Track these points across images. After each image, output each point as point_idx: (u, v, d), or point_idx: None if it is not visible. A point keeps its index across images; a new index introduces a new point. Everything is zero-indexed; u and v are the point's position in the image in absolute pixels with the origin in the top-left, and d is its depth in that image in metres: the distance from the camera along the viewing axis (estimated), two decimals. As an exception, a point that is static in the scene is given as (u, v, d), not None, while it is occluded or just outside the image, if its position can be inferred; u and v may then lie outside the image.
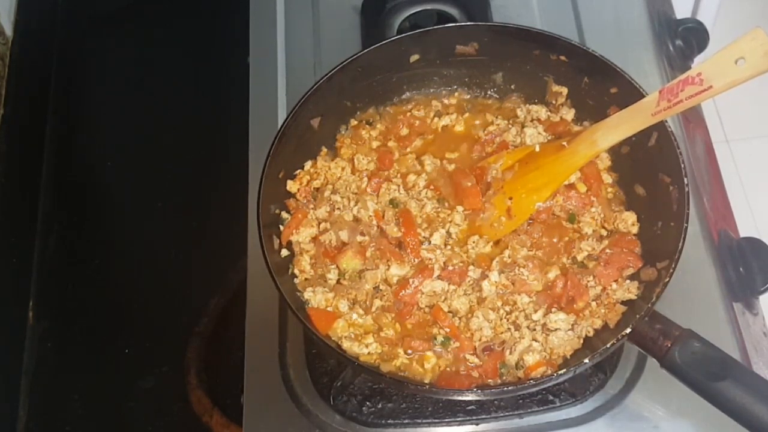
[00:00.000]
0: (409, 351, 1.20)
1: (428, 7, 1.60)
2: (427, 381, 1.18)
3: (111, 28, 1.94)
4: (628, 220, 1.27)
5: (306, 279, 1.28)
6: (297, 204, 1.33)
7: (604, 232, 1.29)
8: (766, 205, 2.63)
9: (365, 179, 1.35)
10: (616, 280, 1.22)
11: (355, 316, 1.23)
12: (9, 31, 1.80)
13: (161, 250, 1.63)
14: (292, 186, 1.34)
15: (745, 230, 1.48)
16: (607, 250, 1.24)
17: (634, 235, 1.26)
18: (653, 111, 1.10)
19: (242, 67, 1.62)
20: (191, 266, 1.59)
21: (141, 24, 1.93)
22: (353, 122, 1.42)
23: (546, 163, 1.29)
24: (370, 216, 1.31)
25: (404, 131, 1.41)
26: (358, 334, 1.22)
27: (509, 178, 1.30)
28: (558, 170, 1.28)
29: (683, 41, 1.57)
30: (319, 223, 1.32)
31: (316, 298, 1.24)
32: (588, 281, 1.22)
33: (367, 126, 1.42)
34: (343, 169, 1.37)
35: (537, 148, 1.32)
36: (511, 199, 1.29)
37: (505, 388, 1.12)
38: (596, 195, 1.30)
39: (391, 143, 1.40)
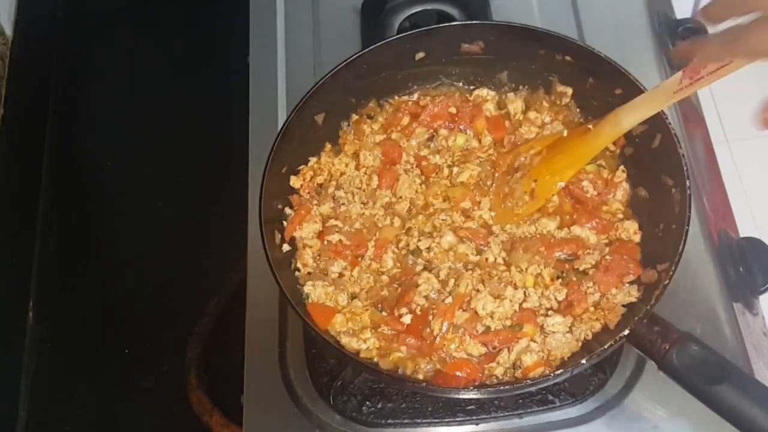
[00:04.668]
0: (403, 348, 1.20)
1: (428, 7, 1.59)
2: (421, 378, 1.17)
3: (111, 27, 1.94)
4: (630, 229, 1.26)
5: (308, 273, 1.28)
6: (300, 200, 1.33)
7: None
8: (766, 205, 2.62)
9: (375, 178, 1.35)
10: (616, 287, 1.21)
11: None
12: (9, 31, 1.80)
13: (161, 250, 1.63)
14: (295, 182, 1.34)
15: (745, 230, 1.48)
16: (608, 257, 1.24)
17: (636, 243, 1.26)
18: (675, 89, 1.10)
19: (242, 67, 1.62)
20: (191, 266, 1.59)
21: (141, 24, 1.93)
22: (354, 117, 1.42)
23: (572, 146, 1.30)
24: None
25: (405, 120, 1.41)
26: (356, 330, 1.22)
27: (536, 163, 1.32)
28: (582, 152, 1.29)
29: (683, 41, 1.57)
30: (324, 220, 1.32)
31: (315, 292, 1.24)
32: (588, 288, 1.21)
33: (368, 120, 1.42)
34: (346, 165, 1.37)
35: (565, 134, 1.33)
36: (536, 181, 1.30)
37: (502, 387, 1.11)
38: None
39: (395, 135, 1.40)
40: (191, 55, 1.85)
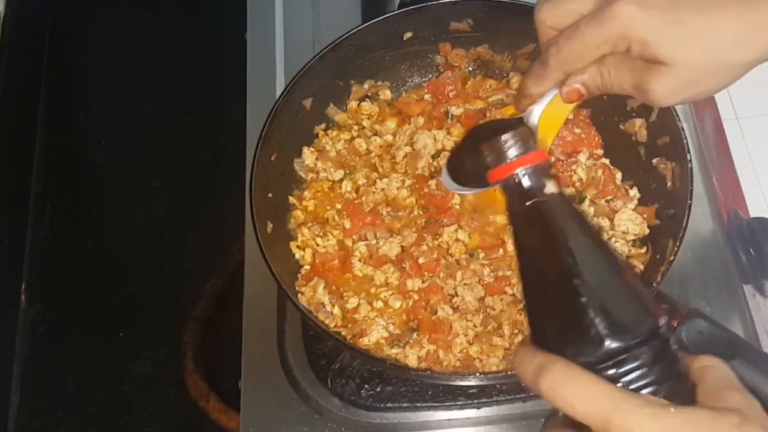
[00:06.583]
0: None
1: (430, -19, 1.56)
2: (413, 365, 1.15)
3: (105, 4, 1.91)
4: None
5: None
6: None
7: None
8: (778, 184, 2.59)
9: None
10: None
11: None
12: (1, 7, 1.77)
13: (157, 231, 1.61)
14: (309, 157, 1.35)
15: (755, 210, 1.44)
16: None
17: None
18: None
19: (239, 44, 1.59)
20: (188, 247, 1.57)
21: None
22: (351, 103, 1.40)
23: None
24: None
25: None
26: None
27: None
28: (551, 120, 1.15)
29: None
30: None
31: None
32: None
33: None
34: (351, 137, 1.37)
35: None
36: None
37: (509, 373, 1.08)
38: None
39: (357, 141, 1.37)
40: (187, 31, 1.82)
